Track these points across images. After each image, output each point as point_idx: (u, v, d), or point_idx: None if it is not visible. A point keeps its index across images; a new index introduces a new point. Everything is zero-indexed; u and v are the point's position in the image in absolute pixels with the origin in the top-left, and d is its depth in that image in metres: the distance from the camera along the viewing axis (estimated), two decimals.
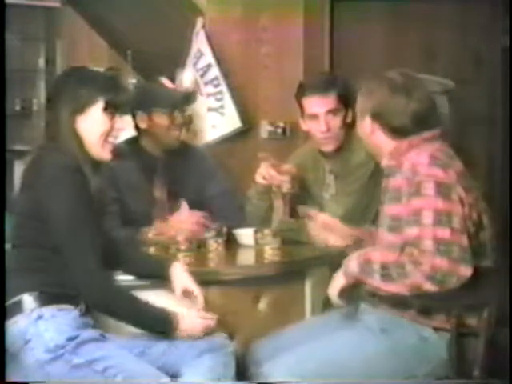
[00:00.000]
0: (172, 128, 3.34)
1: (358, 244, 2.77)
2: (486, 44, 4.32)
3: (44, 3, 5.47)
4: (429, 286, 2.31)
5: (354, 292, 2.53)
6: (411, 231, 2.36)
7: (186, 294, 2.64)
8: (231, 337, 2.64)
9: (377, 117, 2.56)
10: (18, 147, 5.12)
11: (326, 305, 3.09)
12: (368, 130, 2.59)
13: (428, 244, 2.31)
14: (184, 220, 3.21)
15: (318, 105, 3.27)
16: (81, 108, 2.50)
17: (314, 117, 3.27)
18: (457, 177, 2.40)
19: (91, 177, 2.46)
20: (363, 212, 3.25)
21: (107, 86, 2.55)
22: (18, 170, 4.98)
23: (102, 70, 2.66)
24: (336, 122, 3.27)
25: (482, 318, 2.41)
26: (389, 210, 2.51)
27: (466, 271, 2.30)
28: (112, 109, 2.54)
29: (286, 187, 3.22)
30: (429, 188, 2.36)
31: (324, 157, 3.39)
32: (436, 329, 2.43)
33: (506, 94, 4.11)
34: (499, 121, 4.32)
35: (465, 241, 2.33)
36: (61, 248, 2.41)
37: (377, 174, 3.25)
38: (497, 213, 3.94)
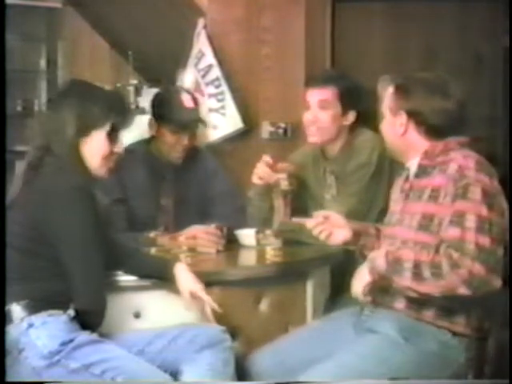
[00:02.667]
0: (176, 147, 3.32)
1: (358, 239, 2.73)
2: (487, 44, 4.32)
3: (45, 4, 5.47)
4: (463, 291, 2.29)
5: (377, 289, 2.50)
6: (452, 232, 2.34)
7: (194, 295, 2.65)
8: (233, 337, 2.65)
9: (414, 115, 2.52)
10: (19, 148, 5.12)
11: (328, 306, 3.11)
12: (401, 129, 2.55)
13: (470, 248, 2.30)
14: (193, 236, 3.13)
15: (312, 95, 3.30)
16: (86, 130, 2.50)
17: (308, 107, 3.30)
18: (500, 187, 2.41)
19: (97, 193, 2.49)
20: (365, 213, 3.25)
21: (116, 109, 2.56)
22: (19, 170, 4.98)
23: (109, 89, 2.62)
24: (324, 115, 3.28)
25: (493, 320, 2.43)
26: (421, 208, 2.48)
27: (498, 282, 2.30)
28: (115, 132, 2.56)
29: (284, 184, 3.22)
30: (476, 193, 2.35)
31: (324, 157, 3.39)
32: (455, 334, 2.43)
33: (506, 94, 4.11)
34: (500, 121, 4.33)
35: (501, 252, 2.33)
36: (62, 260, 2.42)
37: (378, 175, 3.26)
38: None
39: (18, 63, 5.27)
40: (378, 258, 2.46)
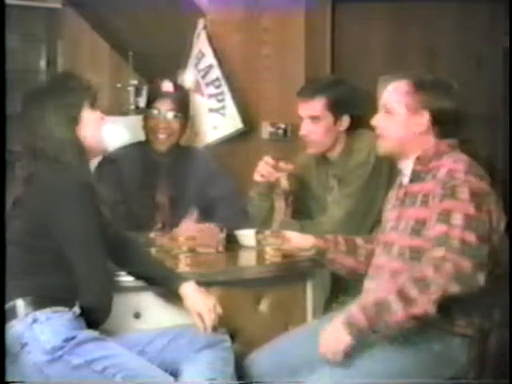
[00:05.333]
0: (155, 133, 3.34)
1: (321, 253, 2.79)
2: (487, 44, 4.32)
3: (45, 4, 5.46)
4: (454, 288, 2.27)
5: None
6: (439, 228, 2.35)
7: (201, 316, 2.63)
8: (232, 338, 2.65)
9: (437, 114, 2.52)
10: (19, 148, 5.11)
11: (328, 306, 3.11)
12: (420, 127, 2.54)
13: (455, 243, 2.30)
14: (190, 234, 3.12)
15: (302, 109, 3.32)
16: (77, 116, 2.54)
17: (301, 119, 3.32)
18: (489, 188, 2.42)
19: (97, 184, 2.52)
20: (364, 213, 3.25)
21: (83, 87, 2.59)
22: (19, 170, 4.99)
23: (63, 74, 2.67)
24: (316, 128, 3.29)
25: (493, 319, 2.43)
26: (414, 213, 2.49)
27: (482, 279, 2.30)
28: (93, 105, 2.58)
29: (284, 184, 3.23)
30: (464, 192, 2.36)
31: (327, 161, 3.39)
32: (457, 334, 2.42)
33: (506, 95, 4.11)
34: (500, 121, 4.33)
35: (486, 250, 2.33)
36: (67, 257, 2.44)
37: (376, 174, 3.26)
38: None
39: (17, 63, 5.25)
40: (354, 316, 2.35)
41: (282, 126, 4.20)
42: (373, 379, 2.39)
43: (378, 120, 2.63)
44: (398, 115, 2.56)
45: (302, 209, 3.38)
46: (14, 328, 2.42)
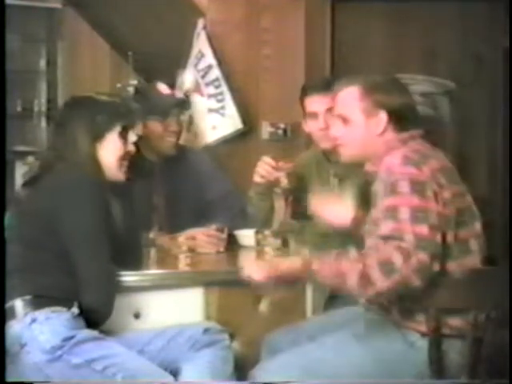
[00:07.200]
0: (166, 135, 3.31)
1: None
2: (487, 45, 4.33)
3: (45, 4, 5.48)
4: (415, 281, 2.23)
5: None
6: (386, 226, 2.29)
7: None
8: (232, 338, 2.65)
9: (394, 113, 2.50)
10: (19, 148, 5.13)
11: (328, 306, 3.11)
12: (379, 128, 2.51)
13: (409, 238, 2.25)
14: (193, 237, 3.12)
15: (318, 103, 3.28)
16: (100, 135, 2.61)
17: (314, 115, 3.29)
18: (431, 174, 2.34)
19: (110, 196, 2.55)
20: (364, 214, 3.24)
21: (121, 112, 2.66)
22: (19, 170, 5.00)
23: (108, 97, 2.73)
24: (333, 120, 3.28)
25: (467, 320, 2.35)
26: (372, 215, 2.47)
27: (437, 267, 2.26)
28: (125, 133, 2.65)
29: (284, 183, 3.22)
30: (404, 186, 2.31)
31: (328, 161, 3.39)
32: (424, 334, 2.38)
33: (506, 95, 4.12)
34: (500, 122, 4.33)
35: (439, 238, 2.29)
36: (70, 256, 2.45)
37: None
38: (497, 214, 3.97)
39: (18, 63, 5.27)
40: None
41: (282, 125, 4.20)
42: (330, 371, 2.39)
43: (336, 130, 2.61)
44: (356, 122, 2.55)
45: (302, 209, 3.37)
46: (13, 328, 2.42)
